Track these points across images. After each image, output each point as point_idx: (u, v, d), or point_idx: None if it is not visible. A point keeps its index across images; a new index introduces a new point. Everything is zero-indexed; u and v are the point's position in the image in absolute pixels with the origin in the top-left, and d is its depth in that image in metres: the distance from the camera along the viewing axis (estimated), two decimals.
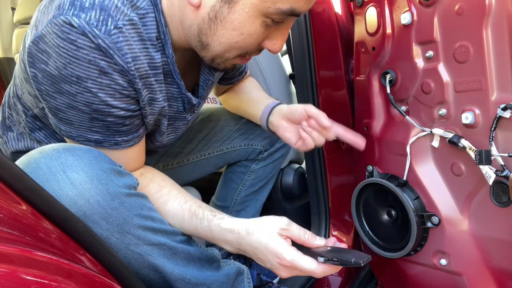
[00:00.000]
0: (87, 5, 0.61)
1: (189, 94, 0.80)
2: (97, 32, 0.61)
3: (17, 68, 0.78)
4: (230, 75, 1.08)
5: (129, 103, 0.70)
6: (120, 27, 0.63)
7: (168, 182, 0.81)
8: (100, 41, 0.61)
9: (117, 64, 0.64)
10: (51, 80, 0.65)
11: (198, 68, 0.84)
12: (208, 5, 0.66)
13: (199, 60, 0.80)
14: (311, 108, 0.89)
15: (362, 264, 0.61)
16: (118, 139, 0.73)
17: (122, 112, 0.69)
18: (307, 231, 0.69)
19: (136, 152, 0.78)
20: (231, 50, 0.71)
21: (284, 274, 0.68)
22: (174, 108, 0.81)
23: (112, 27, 0.62)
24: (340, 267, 0.68)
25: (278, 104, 1.00)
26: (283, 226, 0.68)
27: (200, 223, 0.73)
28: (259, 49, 0.74)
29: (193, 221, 0.74)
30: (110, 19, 0.62)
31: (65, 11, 0.61)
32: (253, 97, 1.08)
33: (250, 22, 0.66)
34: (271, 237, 0.67)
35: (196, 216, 0.74)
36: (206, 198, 1.22)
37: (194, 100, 0.81)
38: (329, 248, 0.69)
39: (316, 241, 0.69)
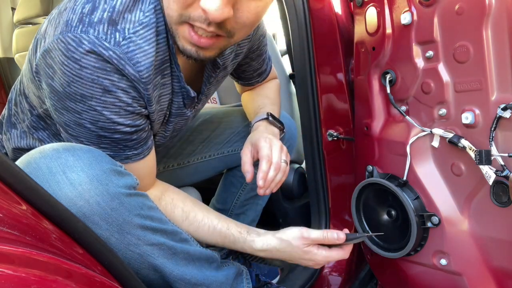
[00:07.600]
0: (95, 20, 0.62)
1: (187, 86, 0.79)
2: (107, 44, 0.61)
3: (25, 67, 0.78)
4: (248, 76, 1.07)
5: (135, 119, 0.70)
6: (129, 37, 0.64)
7: (189, 204, 0.84)
8: (111, 52, 0.62)
9: (129, 74, 0.64)
10: (57, 96, 0.65)
11: (203, 70, 0.84)
12: None
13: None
14: None
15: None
16: (128, 153, 0.73)
17: (128, 129, 0.70)
18: (326, 231, 0.81)
19: (147, 164, 0.79)
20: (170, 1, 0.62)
21: (320, 266, 0.88)
22: (175, 104, 0.81)
23: (120, 39, 0.63)
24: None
25: (259, 120, 0.98)
26: (305, 241, 0.81)
27: (233, 245, 0.84)
28: (203, 17, 0.60)
29: (226, 244, 0.84)
30: (117, 33, 0.63)
31: (73, 28, 0.61)
32: (254, 104, 1.07)
33: None
34: (300, 252, 0.81)
35: (228, 239, 0.83)
36: (206, 199, 1.22)
37: (193, 93, 0.80)
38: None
39: (337, 236, 0.81)
